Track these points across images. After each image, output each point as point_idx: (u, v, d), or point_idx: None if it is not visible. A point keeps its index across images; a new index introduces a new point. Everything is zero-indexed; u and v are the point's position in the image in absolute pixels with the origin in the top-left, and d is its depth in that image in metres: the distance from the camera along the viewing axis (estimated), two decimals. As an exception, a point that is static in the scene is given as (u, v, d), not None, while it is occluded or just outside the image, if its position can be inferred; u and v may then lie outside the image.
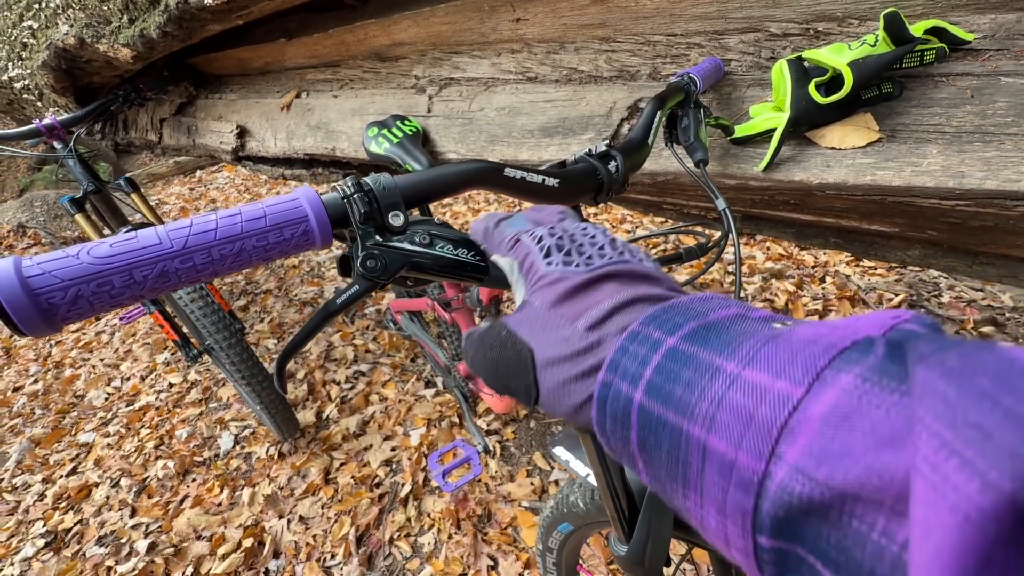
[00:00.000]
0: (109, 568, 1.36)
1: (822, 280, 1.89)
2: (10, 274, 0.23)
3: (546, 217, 0.31)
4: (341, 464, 1.54)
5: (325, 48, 1.25)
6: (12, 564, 1.42)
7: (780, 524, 0.14)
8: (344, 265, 0.33)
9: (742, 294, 1.82)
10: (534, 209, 0.32)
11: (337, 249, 2.83)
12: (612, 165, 0.46)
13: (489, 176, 0.37)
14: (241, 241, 0.27)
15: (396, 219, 0.32)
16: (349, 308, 0.32)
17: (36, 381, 2.22)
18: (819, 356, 0.15)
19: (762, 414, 0.15)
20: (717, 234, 0.59)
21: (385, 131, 0.98)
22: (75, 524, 1.52)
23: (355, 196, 0.31)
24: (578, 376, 0.21)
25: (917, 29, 0.56)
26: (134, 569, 1.33)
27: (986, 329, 1.55)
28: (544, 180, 0.40)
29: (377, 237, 0.32)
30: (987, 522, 0.10)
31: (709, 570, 1.10)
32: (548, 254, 0.26)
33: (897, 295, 1.73)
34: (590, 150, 0.46)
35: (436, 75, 1.08)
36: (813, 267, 1.96)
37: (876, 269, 1.89)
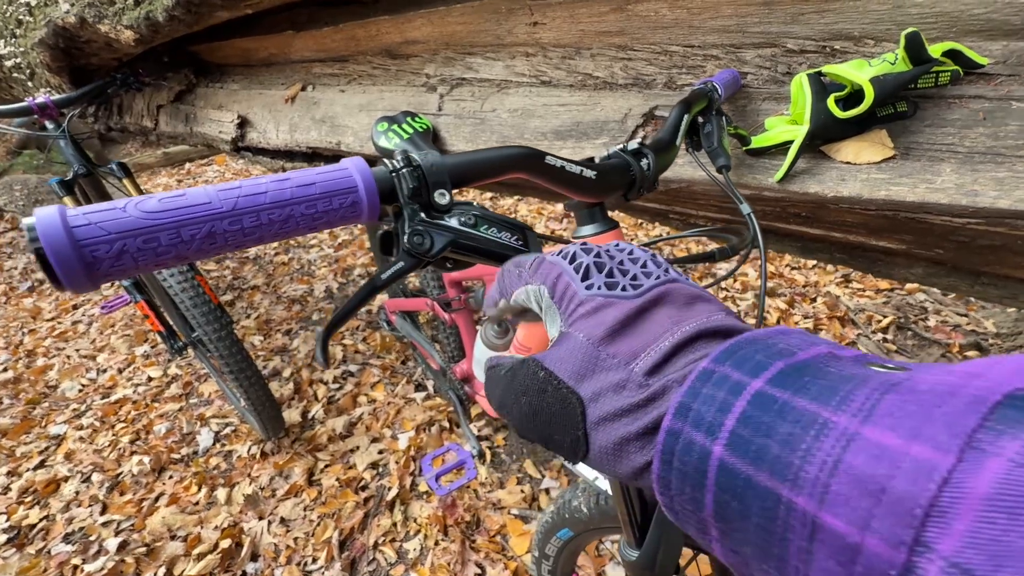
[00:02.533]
0: (76, 567, 1.30)
1: (813, 300, 1.92)
2: (56, 223, 0.21)
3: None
4: (326, 466, 1.50)
5: (334, 42, 1.25)
6: (-29, 560, 1.35)
7: None
8: (386, 242, 0.33)
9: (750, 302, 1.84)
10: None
11: (330, 244, 2.79)
12: (644, 163, 0.46)
13: (531, 162, 0.37)
14: (291, 207, 0.26)
15: (442, 198, 0.31)
16: (393, 283, 0.32)
17: (6, 369, 2.13)
18: (964, 413, 0.12)
19: (897, 487, 0.12)
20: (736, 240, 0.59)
21: (395, 126, 0.97)
22: (41, 520, 1.45)
23: (404, 171, 0.30)
24: (639, 433, 0.18)
25: (935, 51, 0.58)
26: (103, 568, 1.27)
27: (971, 353, 1.59)
28: (582, 171, 0.40)
29: (423, 215, 0.31)
30: None
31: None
32: (586, 275, 0.22)
33: (885, 316, 1.77)
34: (624, 146, 0.46)
35: (448, 75, 1.07)
36: (804, 287, 2.00)
37: (864, 291, 1.93)
